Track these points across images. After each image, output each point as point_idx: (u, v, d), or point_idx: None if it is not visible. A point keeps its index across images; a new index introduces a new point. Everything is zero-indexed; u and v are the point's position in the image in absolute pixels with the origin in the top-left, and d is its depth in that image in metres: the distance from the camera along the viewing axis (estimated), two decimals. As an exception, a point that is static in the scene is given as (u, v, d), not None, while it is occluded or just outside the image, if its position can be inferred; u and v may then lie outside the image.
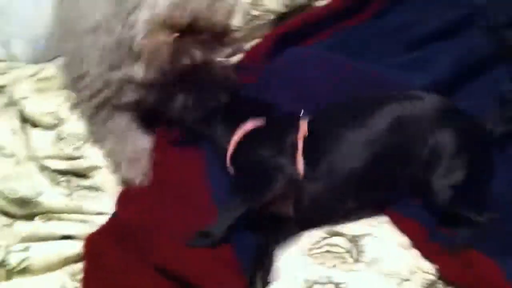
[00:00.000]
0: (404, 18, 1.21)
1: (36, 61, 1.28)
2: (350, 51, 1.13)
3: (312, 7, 1.28)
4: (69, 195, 0.94)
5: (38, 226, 0.91)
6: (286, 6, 1.25)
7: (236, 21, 1.13)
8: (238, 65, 1.13)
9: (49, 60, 1.24)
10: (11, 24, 1.37)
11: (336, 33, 1.21)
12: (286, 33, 1.19)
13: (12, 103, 1.08)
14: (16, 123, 1.05)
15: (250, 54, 1.18)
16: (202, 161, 0.96)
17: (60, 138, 1.02)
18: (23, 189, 0.93)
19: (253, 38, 1.23)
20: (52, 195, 0.93)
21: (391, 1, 1.26)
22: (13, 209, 0.93)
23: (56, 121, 1.04)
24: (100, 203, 0.94)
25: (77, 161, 0.99)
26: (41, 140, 1.02)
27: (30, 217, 0.93)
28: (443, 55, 1.06)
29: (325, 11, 1.23)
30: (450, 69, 1.04)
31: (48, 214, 0.93)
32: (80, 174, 0.99)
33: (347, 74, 1.01)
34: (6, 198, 0.93)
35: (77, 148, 1.00)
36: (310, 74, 1.02)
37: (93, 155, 1.00)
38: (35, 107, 1.05)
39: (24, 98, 1.06)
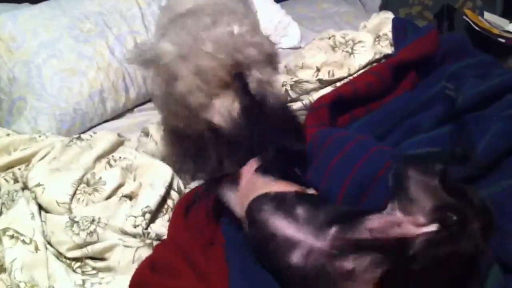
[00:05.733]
0: (436, 90, 1.18)
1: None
2: (385, 128, 1.16)
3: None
4: (82, 284, 0.92)
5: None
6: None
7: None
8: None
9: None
10: (39, 100, 1.41)
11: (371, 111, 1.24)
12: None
13: (27, 187, 1.10)
14: (34, 206, 1.05)
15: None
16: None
17: (74, 221, 1.01)
18: (39, 279, 0.93)
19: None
20: (66, 285, 0.92)
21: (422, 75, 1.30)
22: (28, 304, 0.93)
23: (67, 208, 1.04)
24: (114, 290, 0.92)
25: (92, 246, 0.98)
26: (57, 225, 1.01)
27: (46, 308, 0.93)
28: (482, 128, 0.98)
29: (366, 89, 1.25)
30: (491, 145, 0.94)
31: (63, 305, 0.92)
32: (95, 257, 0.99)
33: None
34: (21, 291, 0.92)
35: (91, 233, 0.99)
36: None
37: (109, 236, 0.99)
38: (47, 195, 1.06)
39: (37, 185, 1.07)
